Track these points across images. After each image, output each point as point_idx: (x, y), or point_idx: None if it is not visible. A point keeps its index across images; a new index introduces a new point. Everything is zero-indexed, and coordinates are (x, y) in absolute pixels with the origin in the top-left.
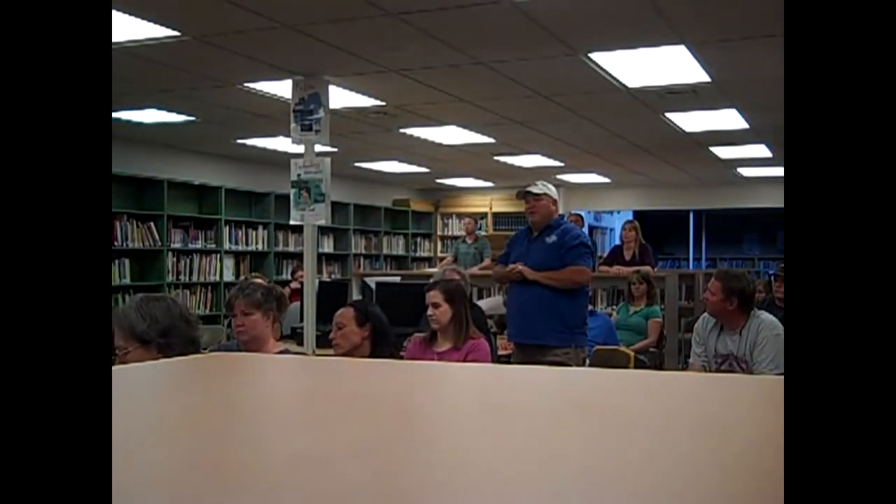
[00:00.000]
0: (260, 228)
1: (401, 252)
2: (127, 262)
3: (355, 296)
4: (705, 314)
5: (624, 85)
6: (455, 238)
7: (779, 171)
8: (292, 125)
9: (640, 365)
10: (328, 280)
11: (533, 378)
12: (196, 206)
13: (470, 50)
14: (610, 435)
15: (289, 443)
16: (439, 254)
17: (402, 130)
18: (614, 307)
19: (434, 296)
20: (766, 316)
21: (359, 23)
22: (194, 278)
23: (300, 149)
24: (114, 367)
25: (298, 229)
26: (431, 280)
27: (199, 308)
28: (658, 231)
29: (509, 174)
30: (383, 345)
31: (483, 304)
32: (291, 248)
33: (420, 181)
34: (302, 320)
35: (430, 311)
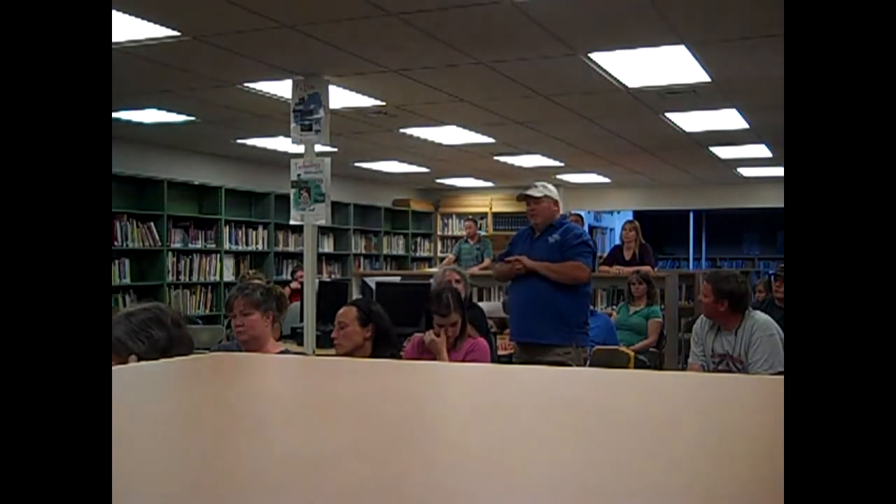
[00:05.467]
0: (260, 228)
1: (401, 252)
2: (127, 262)
3: (355, 296)
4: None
5: (624, 85)
6: (455, 238)
7: (779, 171)
8: (292, 125)
9: (640, 365)
10: (328, 280)
11: (533, 378)
12: (196, 206)
13: (470, 50)
14: (609, 435)
15: (289, 443)
16: (439, 254)
17: (402, 130)
18: (614, 307)
19: (454, 317)
20: (760, 316)
21: (359, 23)
22: (194, 278)
23: (300, 149)
24: (114, 367)
25: (298, 229)
26: (432, 282)
27: (199, 308)
28: (658, 231)
29: (509, 174)
30: (385, 345)
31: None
32: (291, 248)
33: (420, 181)
34: (302, 320)
35: (448, 333)
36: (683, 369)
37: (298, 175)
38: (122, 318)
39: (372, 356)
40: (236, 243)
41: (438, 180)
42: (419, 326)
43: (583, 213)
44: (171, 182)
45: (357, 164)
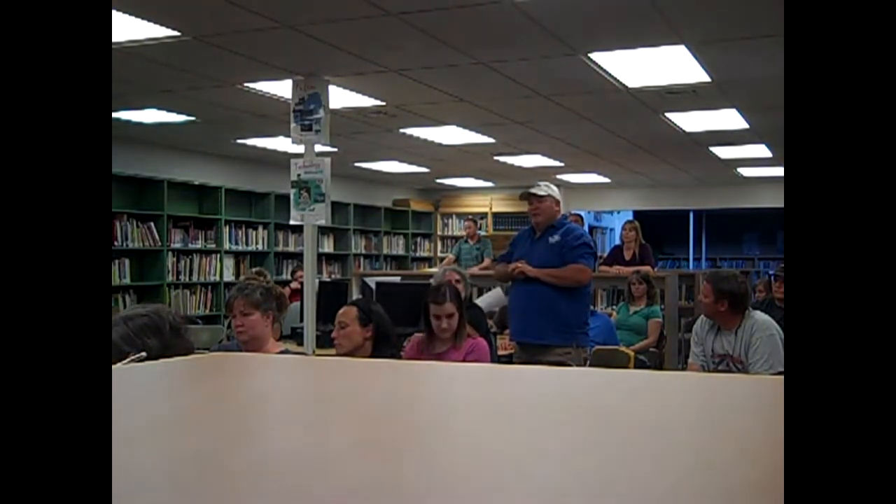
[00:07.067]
0: (260, 228)
1: (401, 252)
2: (127, 262)
3: (355, 296)
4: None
5: (624, 85)
6: (455, 238)
7: (779, 171)
8: (292, 125)
9: (640, 365)
10: (328, 280)
11: (533, 378)
12: (196, 206)
13: (470, 50)
14: (609, 435)
15: (288, 443)
16: (439, 254)
17: (402, 130)
18: (614, 307)
19: (450, 307)
20: (759, 316)
21: (359, 23)
22: (194, 278)
23: (300, 149)
24: (114, 367)
25: (298, 229)
26: (432, 282)
27: (199, 308)
28: (658, 231)
29: (509, 174)
30: (385, 345)
31: (483, 299)
32: (291, 248)
33: (420, 181)
34: (302, 320)
35: (444, 325)
36: (683, 369)
37: (298, 175)
38: (120, 321)
39: (372, 356)
40: (236, 243)
41: (438, 180)
42: (419, 326)
43: (583, 213)
44: (171, 182)
45: (357, 164)
